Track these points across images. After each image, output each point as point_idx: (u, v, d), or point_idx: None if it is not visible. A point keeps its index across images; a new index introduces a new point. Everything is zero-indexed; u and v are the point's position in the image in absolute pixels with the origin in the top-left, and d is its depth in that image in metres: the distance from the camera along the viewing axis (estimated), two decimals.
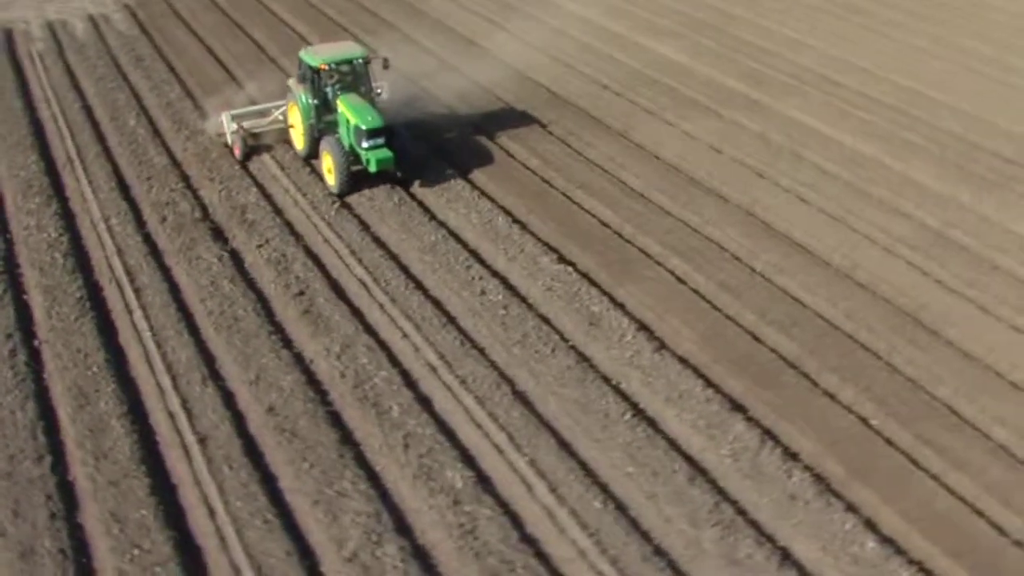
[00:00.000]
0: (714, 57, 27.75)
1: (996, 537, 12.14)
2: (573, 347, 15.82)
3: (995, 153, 21.79)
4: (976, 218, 19.24)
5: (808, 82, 25.83)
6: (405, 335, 16.22)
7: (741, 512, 12.55)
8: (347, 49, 22.21)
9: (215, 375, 15.45)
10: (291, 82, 22.01)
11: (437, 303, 17.11)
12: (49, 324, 16.73)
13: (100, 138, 23.79)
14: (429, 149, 22.42)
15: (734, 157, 22.00)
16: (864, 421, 14.09)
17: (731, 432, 13.75)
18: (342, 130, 20.95)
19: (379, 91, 21.83)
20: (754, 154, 22.04)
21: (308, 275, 17.89)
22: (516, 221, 19.54)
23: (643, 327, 16.20)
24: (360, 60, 21.39)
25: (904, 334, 15.83)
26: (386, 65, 21.59)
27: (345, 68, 21.38)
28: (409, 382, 15.13)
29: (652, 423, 14.13)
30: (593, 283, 17.43)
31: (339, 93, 21.20)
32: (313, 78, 21.11)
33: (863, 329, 15.99)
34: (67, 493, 13.24)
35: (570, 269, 17.78)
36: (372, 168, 20.36)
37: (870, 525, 12.30)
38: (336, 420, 14.42)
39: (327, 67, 20.94)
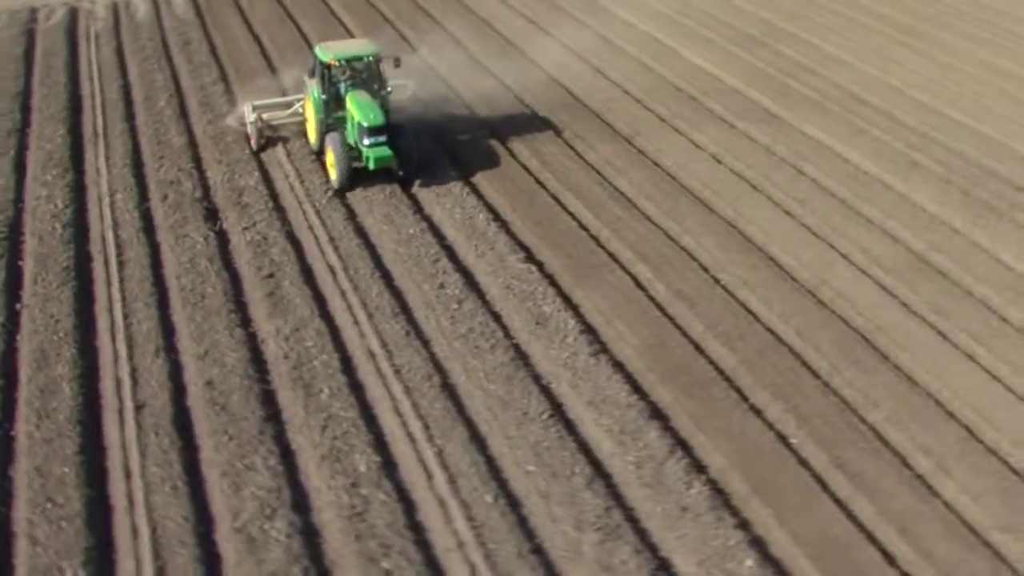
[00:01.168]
0: (747, 69, 27.41)
1: (884, 566, 11.91)
2: (515, 345, 16.00)
3: (1007, 180, 21.04)
4: (965, 244, 18.68)
5: (832, 98, 25.32)
6: (356, 322, 16.64)
7: (631, 520, 12.55)
8: (359, 46, 22.73)
9: (170, 347, 16.11)
10: (306, 77, 22.62)
11: (397, 293, 17.48)
12: (33, 290, 17.68)
13: (129, 116, 24.89)
14: (436, 148, 22.77)
15: (733, 168, 21.79)
16: (783, 439, 13.92)
17: (643, 440, 13.75)
18: (348, 126, 21.44)
19: (390, 89, 22.14)
20: (754, 166, 21.79)
21: (283, 259, 18.46)
22: (497, 219, 19.77)
23: (588, 330, 16.27)
24: (371, 58, 21.79)
25: (851, 356, 15.54)
26: (397, 64, 22.01)
27: (357, 65, 21.81)
28: (347, 367, 15.53)
29: (569, 425, 14.21)
30: (553, 284, 17.55)
31: (349, 89, 21.67)
32: (324, 73, 21.61)
33: (810, 348, 15.75)
34: (7, 447, 14.03)
35: (534, 268, 17.93)
36: (371, 165, 20.74)
37: (757, 544, 12.18)
38: (268, 398, 14.91)
39: (337, 63, 21.44)
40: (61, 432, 14.13)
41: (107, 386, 15.32)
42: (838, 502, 12.86)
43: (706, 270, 18.02)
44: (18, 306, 17.36)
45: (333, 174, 21.15)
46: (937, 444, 13.72)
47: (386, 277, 17.97)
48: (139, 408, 14.65)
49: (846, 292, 17.16)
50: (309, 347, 15.90)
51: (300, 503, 12.91)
